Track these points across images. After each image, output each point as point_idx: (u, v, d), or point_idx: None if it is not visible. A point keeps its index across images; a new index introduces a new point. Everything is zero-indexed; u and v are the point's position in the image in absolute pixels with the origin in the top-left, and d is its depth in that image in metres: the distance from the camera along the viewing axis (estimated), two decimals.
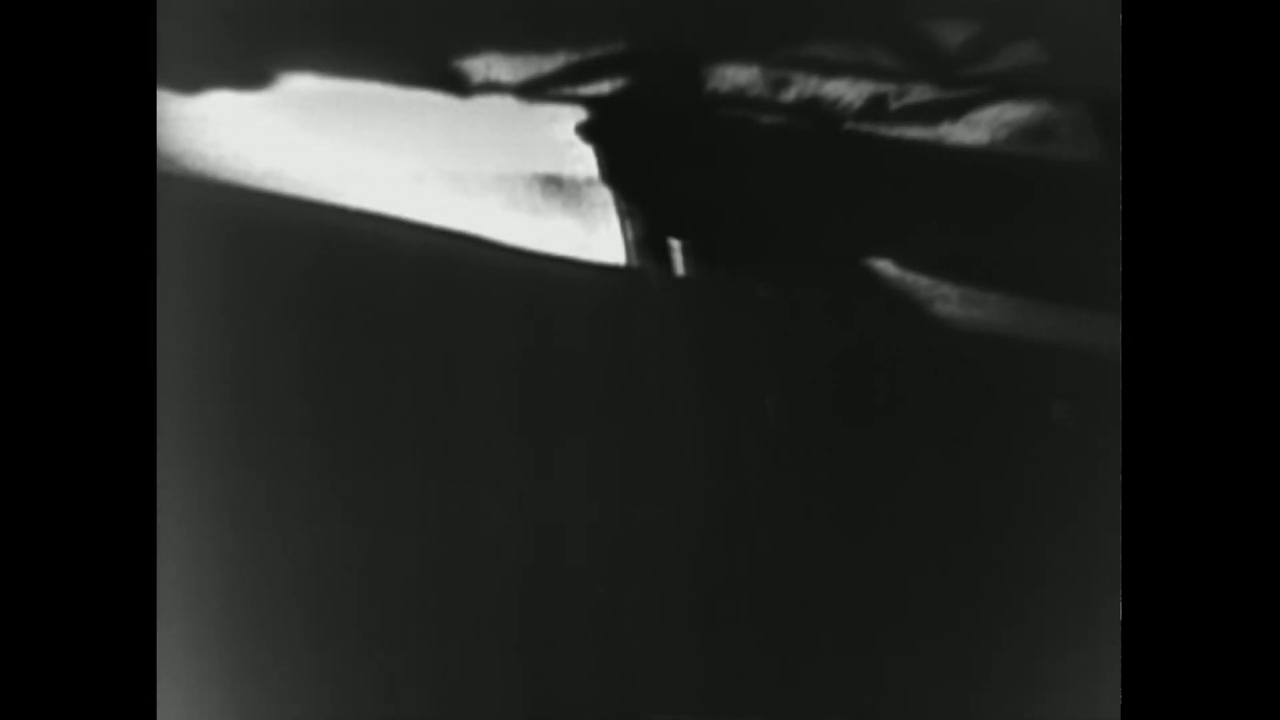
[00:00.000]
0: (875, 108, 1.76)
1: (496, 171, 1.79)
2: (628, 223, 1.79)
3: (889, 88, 1.75)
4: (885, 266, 1.77)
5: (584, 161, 1.78)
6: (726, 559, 1.80)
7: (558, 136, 1.78)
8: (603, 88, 1.77)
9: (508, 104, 1.78)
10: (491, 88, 1.78)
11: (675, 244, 1.79)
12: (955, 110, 1.75)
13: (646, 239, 1.79)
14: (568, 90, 1.77)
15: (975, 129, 1.76)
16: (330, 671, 1.80)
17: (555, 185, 1.79)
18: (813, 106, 1.76)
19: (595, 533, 1.80)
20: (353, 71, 1.77)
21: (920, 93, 1.75)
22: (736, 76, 1.76)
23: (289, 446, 1.80)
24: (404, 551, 1.80)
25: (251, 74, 1.77)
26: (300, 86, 1.77)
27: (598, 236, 1.80)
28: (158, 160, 1.75)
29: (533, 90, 1.77)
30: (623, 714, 1.79)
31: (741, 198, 1.78)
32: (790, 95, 1.76)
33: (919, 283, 1.77)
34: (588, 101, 1.77)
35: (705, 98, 1.77)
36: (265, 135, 1.79)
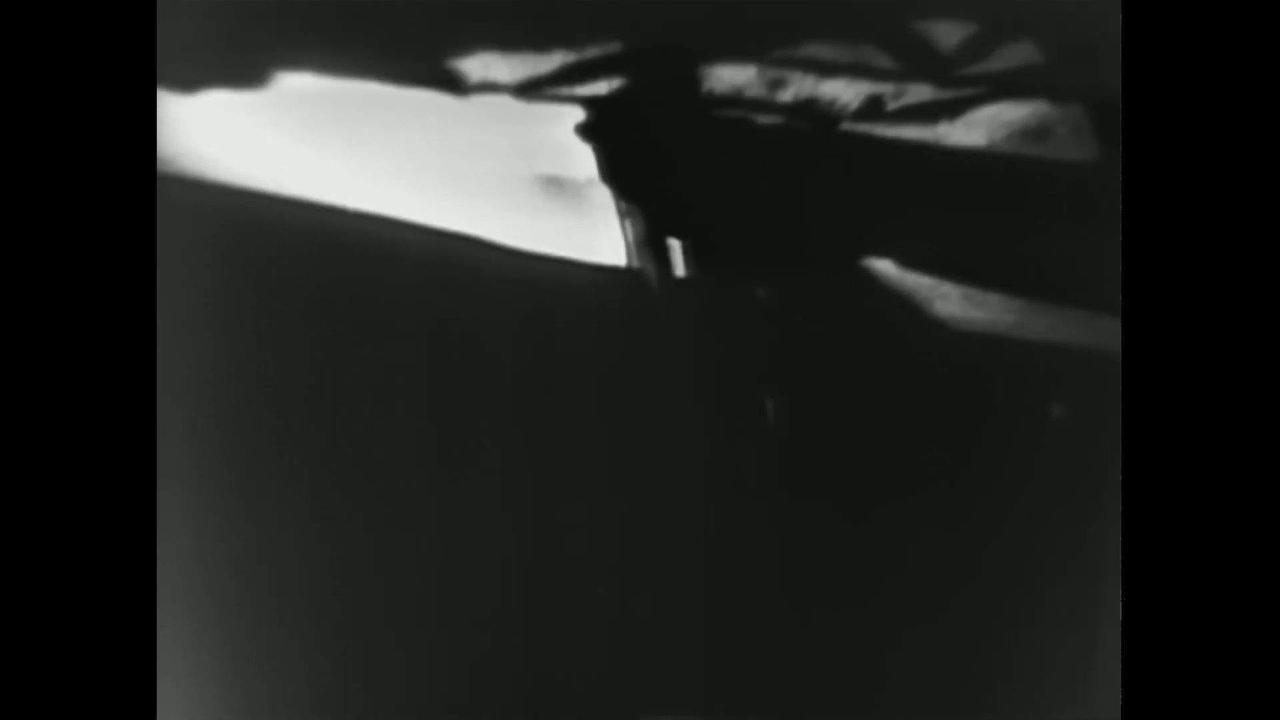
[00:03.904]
0: (873, 108, 1.76)
1: (496, 171, 1.80)
2: (628, 223, 1.79)
3: (886, 88, 1.76)
4: (885, 266, 1.78)
5: (584, 161, 1.78)
6: (726, 558, 1.80)
7: (558, 136, 1.78)
8: (602, 88, 1.77)
9: (507, 104, 1.78)
10: (490, 88, 1.78)
11: (675, 244, 1.80)
12: (953, 110, 1.76)
13: (646, 239, 1.80)
14: (566, 90, 1.77)
15: (974, 129, 1.76)
16: (330, 671, 1.80)
17: (555, 185, 1.79)
18: (810, 106, 1.77)
19: (595, 533, 1.80)
20: (352, 71, 1.77)
21: (918, 93, 1.76)
22: (734, 76, 1.76)
23: (288, 446, 1.80)
24: (403, 552, 1.80)
25: (251, 74, 1.77)
26: (300, 86, 1.77)
27: (598, 237, 1.80)
28: (158, 160, 1.75)
29: (531, 90, 1.77)
30: (623, 713, 1.79)
31: (741, 198, 1.78)
32: (788, 95, 1.76)
33: (919, 283, 1.78)
34: (587, 101, 1.77)
35: (704, 98, 1.77)
36: (264, 135, 1.79)
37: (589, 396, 1.79)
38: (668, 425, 1.79)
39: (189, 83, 1.77)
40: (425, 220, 1.80)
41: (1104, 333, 1.73)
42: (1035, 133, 1.75)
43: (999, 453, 1.77)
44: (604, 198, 1.79)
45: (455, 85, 1.78)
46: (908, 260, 1.77)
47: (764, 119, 1.77)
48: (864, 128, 1.77)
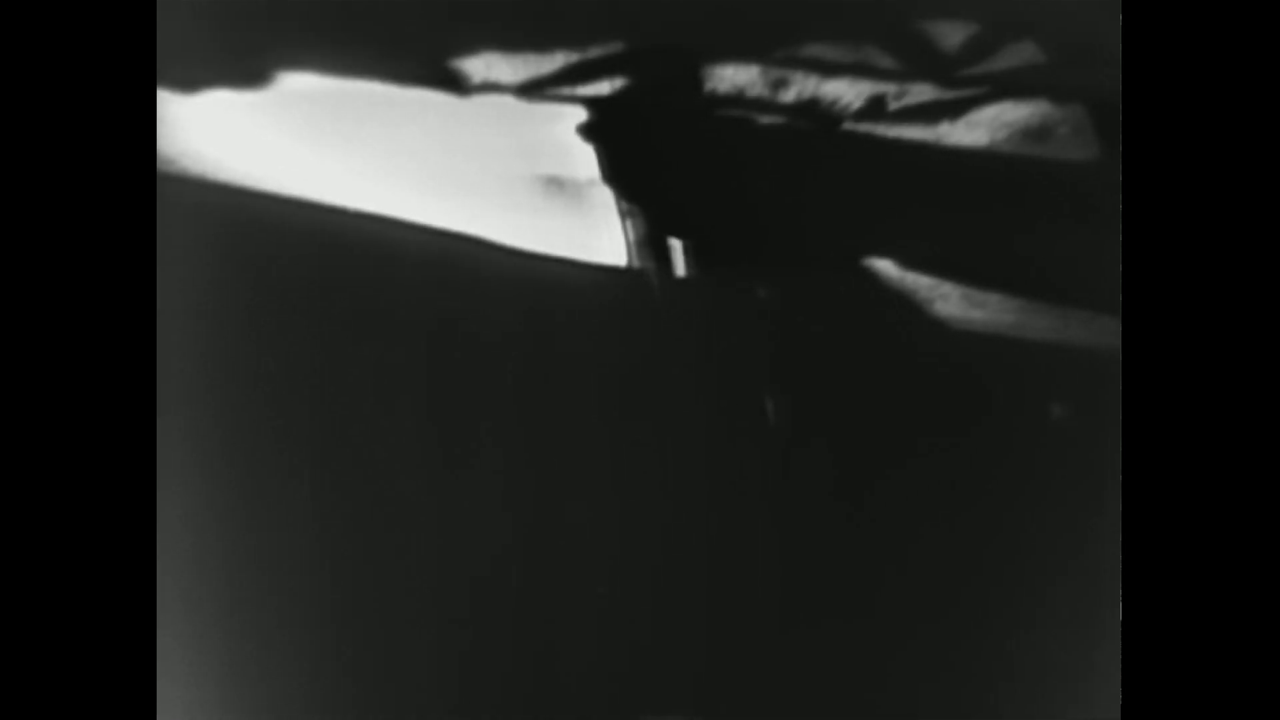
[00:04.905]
0: (874, 108, 1.76)
1: (497, 171, 1.80)
2: (628, 223, 1.79)
3: (888, 88, 1.76)
4: (885, 266, 1.78)
5: (585, 161, 1.78)
6: (726, 558, 1.80)
7: (559, 136, 1.78)
8: (603, 88, 1.77)
9: (508, 104, 1.78)
10: (491, 88, 1.78)
11: (675, 244, 1.80)
12: (955, 110, 1.76)
13: (647, 239, 1.80)
14: (567, 90, 1.77)
15: (975, 129, 1.76)
16: (330, 671, 1.80)
17: (556, 185, 1.79)
18: (812, 107, 1.77)
19: (595, 532, 1.80)
20: (353, 71, 1.77)
21: (919, 93, 1.76)
22: (736, 76, 1.76)
23: (288, 447, 1.80)
24: (403, 552, 1.80)
25: (251, 74, 1.77)
26: (300, 86, 1.77)
27: (598, 237, 1.80)
28: (158, 160, 1.75)
29: (532, 90, 1.77)
30: (622, 713, 1.79)
31: (742, 198, 1.78)
32: (790, 95, 1.76)
33: (919, 283, 1.78)
34: (588, 101, 1.77)
35: (705, 98, 1.77)
36: (264, 135, 1.79)
37: (589, 396, 1.79)
38: (668, 425, 1.79)
39: (189, 83, 1.77)
40: (426, 220, 1.80)
41: (1104, 332, 1.73)
42: (1036, 133, 1.75)
43: (999, 453, 1.77)
44: (605, 198, 1.79)
45: (456, 85, 1.78)
46: (908, 260, 1.77)
47: (765, 119, 1.77)
48: (865, 128, 1.77)
